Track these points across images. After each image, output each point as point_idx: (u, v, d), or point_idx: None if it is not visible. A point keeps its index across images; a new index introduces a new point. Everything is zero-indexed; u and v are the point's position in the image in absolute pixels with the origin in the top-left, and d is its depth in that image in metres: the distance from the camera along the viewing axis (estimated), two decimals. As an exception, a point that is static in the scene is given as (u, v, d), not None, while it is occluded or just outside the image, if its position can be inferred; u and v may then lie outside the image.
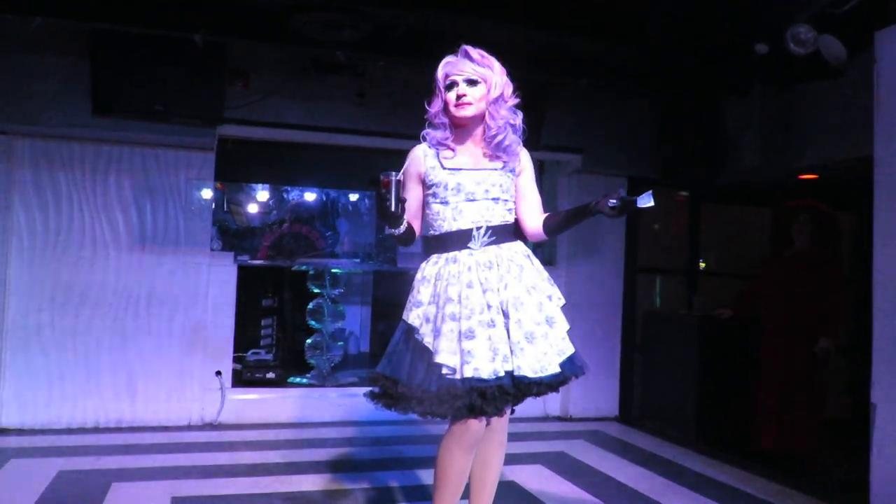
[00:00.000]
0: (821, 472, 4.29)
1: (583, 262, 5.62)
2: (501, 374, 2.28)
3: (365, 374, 6.15)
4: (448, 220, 2.47)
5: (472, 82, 2.43)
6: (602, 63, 4.82)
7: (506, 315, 2.37)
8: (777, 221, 4.78)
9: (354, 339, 7.72)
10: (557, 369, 2.37)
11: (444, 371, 2.29)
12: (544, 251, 5.74)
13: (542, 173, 6.04)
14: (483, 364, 2.27)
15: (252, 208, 8.49)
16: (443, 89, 2.48)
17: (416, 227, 2.59)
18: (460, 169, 2.47)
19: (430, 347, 2.34)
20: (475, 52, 2.47)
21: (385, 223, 2.40)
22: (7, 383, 4.59)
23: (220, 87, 4.67)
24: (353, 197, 8.47)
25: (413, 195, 2.55)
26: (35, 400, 4.63)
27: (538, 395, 2.38)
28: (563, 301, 2.54)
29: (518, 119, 2.52)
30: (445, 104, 2.47)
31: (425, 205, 2.56)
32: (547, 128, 5.20)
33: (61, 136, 4.67)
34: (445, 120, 2.51)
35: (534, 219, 2.59)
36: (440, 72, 2.48)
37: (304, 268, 6.00)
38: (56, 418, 4.65)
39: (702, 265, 6.22)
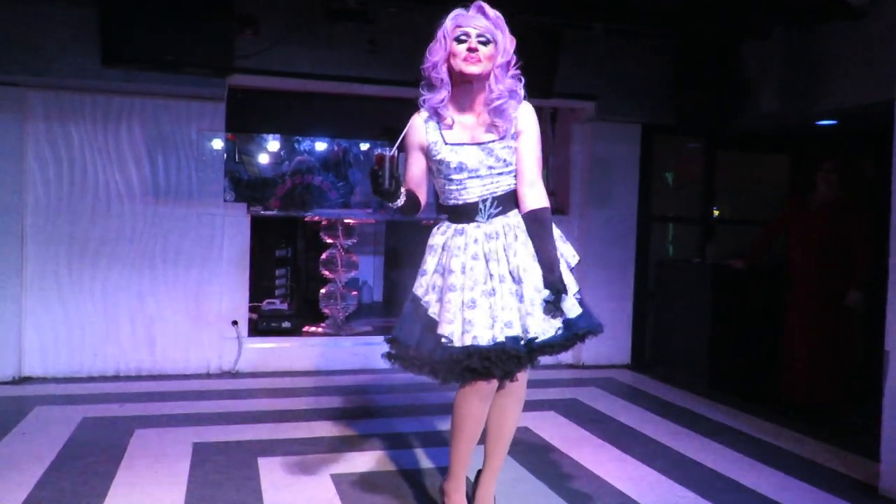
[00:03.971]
0: (832, 418, 4.33)
1: (596, 210, 5.59)
2: (501, 339, 2.30)
3: (379, 322, 6.23)
4: (454, 194, 2.47)
5: (485, 41, 2.35)
6: (617, 5, 4.70)
7: (519, 281, 2.38)
8: (801, 169, 4.72)
9: (368, 289, 7.79)
10: (556, 332, 2.36)
11: (443, 340, 2.35)
12: (557, 200, 5.71)
13: (555, 121, 5.97)
14: (482, 332, 2.30)
15: (263, 159, 8.48)
16: (451, 40, 2.36)
17: (421, 194, 2.58)
18: (462, 144, 2.43)
19: (436, 318, 2.40)
20: (491, 11, 2.39)
21: (380, 199, 2.38)
22: (28, 333, 4.68)
23: (230, 36, 4.60)
24: (365, 146, 8.42)
25: (416, 166, 2.54)
26: (56, 349, 4.73)
27: (553, 354, 2.43)
28: (576, 258, 2.55)
29: (520, 87, 2.45)
30: (449, 56, 2.37)
31: (431, 173, 2.55)
32: (560, 74, 5.11)
33: (72, 88, 4.65)
34: (444, 75, 2.40)
35: (520, 190, 2.46)
36: (449, 23, 2.38)
37: (316, 218, 6.01)
38: (77, 367, 4.76)
39: (716, 213, 6.18)
